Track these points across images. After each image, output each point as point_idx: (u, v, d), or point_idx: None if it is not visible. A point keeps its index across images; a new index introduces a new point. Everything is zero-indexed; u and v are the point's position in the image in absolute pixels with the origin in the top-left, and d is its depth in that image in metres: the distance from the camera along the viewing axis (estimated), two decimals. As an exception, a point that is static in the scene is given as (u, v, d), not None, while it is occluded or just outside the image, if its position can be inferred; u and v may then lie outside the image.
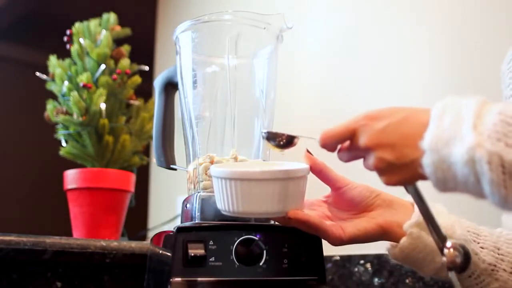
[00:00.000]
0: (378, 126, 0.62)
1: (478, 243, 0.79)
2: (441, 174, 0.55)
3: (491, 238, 0.80)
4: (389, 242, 0.80)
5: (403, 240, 0.77)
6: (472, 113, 0.54)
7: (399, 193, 0.77)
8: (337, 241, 0.78)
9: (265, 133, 0.73)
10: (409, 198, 0.79)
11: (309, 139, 0.69)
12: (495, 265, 0.78)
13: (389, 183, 0.63)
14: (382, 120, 0.62)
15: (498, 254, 0.78)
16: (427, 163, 0.56)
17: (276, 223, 0.83)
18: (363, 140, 0.63)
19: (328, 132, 0.67)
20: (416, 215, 0.77)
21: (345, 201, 0.81)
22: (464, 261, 0.66)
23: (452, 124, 0.55)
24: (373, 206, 0.79)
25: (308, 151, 0.76)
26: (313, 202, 0.84)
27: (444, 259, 0.66)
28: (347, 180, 0.81)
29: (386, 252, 0.81)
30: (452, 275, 0.68)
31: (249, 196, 0.73)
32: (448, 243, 0.67)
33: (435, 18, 1.28)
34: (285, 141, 0.72)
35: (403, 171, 0.61)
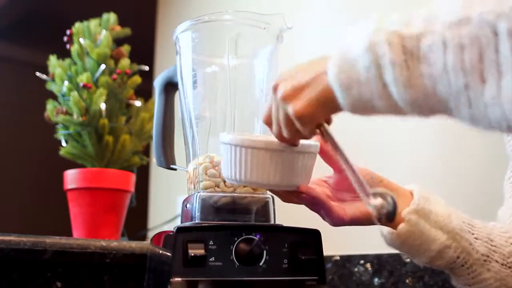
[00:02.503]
0: (284, 81, 0.64)
1: (473, 234, 0.79)
2: (344, 77, 0.54)
3: (485, 230, 0.80)
4: (386, 228, 0.80)
5: (401, 226, 0.77)
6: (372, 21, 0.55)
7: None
8: (339, 222, 0.78)
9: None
10: (409, 187, 0.81)
11: None
12: (487, 256, 0.78)
13: (297, 109, 0.61)
14: (286, 76, 0.64)
15: (491, 245, 0.79)
16: (330, 67, 0.55)
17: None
18: (279, 95, 0.64)
19: (264, 117, 0.71)
20: (415, 202, 0.78)
21: (346, 183, 0.80)
22: (392, 210, 0.61)
23: (353, 35, 0.55)
24: None
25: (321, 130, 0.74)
26: (313, 181, 0.83)
27: (372, 206, 0.61)
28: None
29: (386, 252, 0.81)
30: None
31: (259, 165, 0.73)
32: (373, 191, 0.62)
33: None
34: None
35: (307, 91, 0.60)
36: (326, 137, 0.66)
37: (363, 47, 0.52)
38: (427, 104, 0.50)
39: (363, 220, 0.79)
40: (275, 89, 0.66)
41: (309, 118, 0.62)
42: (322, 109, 0.61)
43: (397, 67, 0.49)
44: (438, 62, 0.48)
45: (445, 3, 0.49)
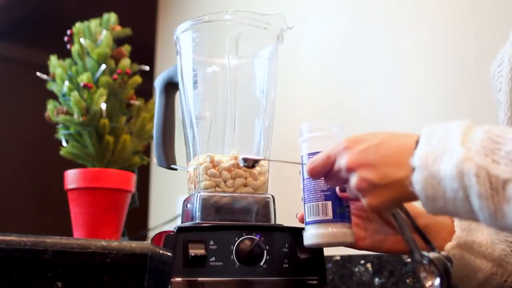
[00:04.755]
0: (358, 148, 0.63)
1: None
2: (431, 191, 0.56)
3: None
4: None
5: None
6: (459, 131, 0.55)
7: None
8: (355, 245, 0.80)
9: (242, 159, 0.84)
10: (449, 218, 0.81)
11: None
12: None
13: (372, 204, 0.63)
14: (362, 143, 0.63)
15: None
16: (417, 179, 0.56)
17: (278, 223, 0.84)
18: (343, 161, 0.64)
19: (312, 163, 0.70)
20: (457, 236, 0.78)
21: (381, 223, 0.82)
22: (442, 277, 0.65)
23: (440, 142, 0.56)
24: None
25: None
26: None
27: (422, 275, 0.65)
28: None
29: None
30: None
31: None
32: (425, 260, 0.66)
33: (433, 18, 1.28)
34: (252, 163, 0.84)
35: (386, 191, 0.61)
36: (393, 217, 0.68)
37: (451, 174, 0.54)
38: (505, 228, 0.54)
39: (384, 250, 0.81)
40: (349, 168, 0.64)
41: (382, 209, 0.66)
42: (397, 204, 0.65)
43: (483, 199, 0.52)
44: None
45: None
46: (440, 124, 0.58)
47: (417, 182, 0.56)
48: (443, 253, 0.68)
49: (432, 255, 0.65)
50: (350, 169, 0.64)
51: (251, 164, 0.83)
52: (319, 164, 0.69)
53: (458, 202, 0.54)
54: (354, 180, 0.64)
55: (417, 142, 0.58)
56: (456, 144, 0.54)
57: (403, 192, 0.60)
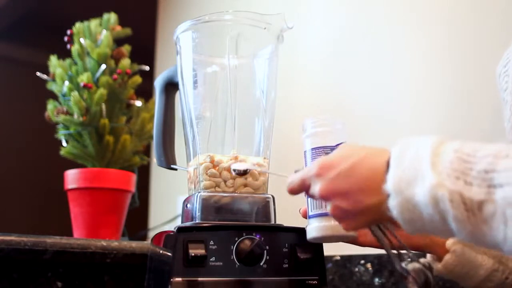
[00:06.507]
0: (329, 175, 0.63)
1: None
2: (408, 214, 0.56)
3: None
4: (429, 255, 0.83)
5: (447, 257, 0.80)
6: (429, 151, 0.54)
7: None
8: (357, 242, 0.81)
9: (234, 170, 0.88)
10: None
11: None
12: None
13: (348, 228, 0.65)
14: (332, 169, 0.63)
15: None
16: (393, 205, 0.56)
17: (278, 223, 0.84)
18: (316, 190, 0.65)
19: (290, 184, 0.71)
20: None
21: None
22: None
23: (411, 163, 0.55)
24: None
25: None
26: None
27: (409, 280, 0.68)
28: None
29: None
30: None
31: None
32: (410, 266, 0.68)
33: (430, 16, 1.28)
34: (242, 172, 0.87)
35: (360, 217, 0.62)
36: (372, 233, 0.71)
37: (424, 200, 0.53)
38: (486, 246, 0.54)
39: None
40: (322, 197, 0.65)
41: (360, 229, 0.67)
42: (374, 224, 0.67)
43: (460, 222, 0.52)
44: (500, 231, 0.50)
45: (502, 154, 0.51)
46: (409, 142, 0.58)
47: (393, 207, 0.56)
48: (424, 260, 0.69)
49: (411, 266, 0.67)
50: (323, 198, 0.65)
51: (241, 172, 0.85)
52: (296, 187, 0.71)
53: (436, 224, 0.54)
54: (328, 207, 0.65)
55: (387, 164, 0.58)
56: (426, 167, 0.54)
57: (378, 216, 0.61)
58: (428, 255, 0.83)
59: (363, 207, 0.60)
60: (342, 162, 0.62)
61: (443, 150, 0.54)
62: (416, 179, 0.54)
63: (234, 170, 0.85)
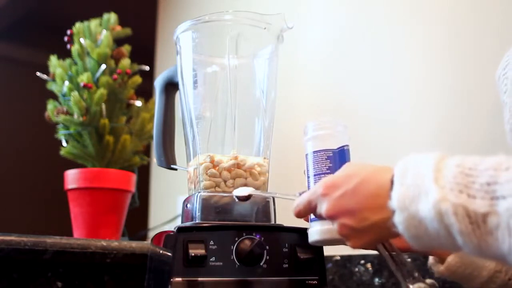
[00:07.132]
0: (335, 195, 0.65)
1: None
2: (414, 230, 0.56)
3: None
4: (431, 257, 0.83)
5: (450, 259, 0.80)
6: (431, 167, 0.55)
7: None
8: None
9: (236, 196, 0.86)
10: None
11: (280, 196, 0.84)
12: None
13: (355, 246, 0.66)
14: (338, 189, 0.65)
15: None
16: (398, 221, 0.57)
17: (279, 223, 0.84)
18: (323, 209, 0.67)
19: (296, 207, 0.73)
20: None
21: None
22: None
23: (414, 180, 0.56)
24: None
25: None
26: None
27: None
28: None
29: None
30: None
31: None
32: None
33: (430, 16, 1.28)
34: (244, 198, 0.86)
35: (367, 234, 0.63)
36: (378, 252, 0.71)
37: (429, 215, 0.54)
38: (492, 258, 0.54)
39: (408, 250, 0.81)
40: (329, 217, 0.66)
41: (367, 248, 0.68)
42: (381, 241, 0.68)
43: (465, 235, 0.52)
44: (505, 242, 0.50)
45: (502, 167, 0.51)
46: (411, 159, 0.59)
47: (399, 223, 0.57)
48: (429, 281, 0.69)
49: (417, 286, 0.68)
50: (330, 217, 0.66)
51: (244, 198, 0.85)
52: (303, 209, 0.72)
53: (442, 239, 0.54)
54: (335, 225, 0.66)
55: (391, 181, 0.59)
56: (429, 183, 0.54)
57: (385, 233, 0.62)
58: (431, 257, 0.83)
59: (369, 224, 0.62)
60: (347, 181, 0.64)
61: (445, 166, 0.55)
62: (420, 195, 0.55)
63: (237, 197, 0.85)
